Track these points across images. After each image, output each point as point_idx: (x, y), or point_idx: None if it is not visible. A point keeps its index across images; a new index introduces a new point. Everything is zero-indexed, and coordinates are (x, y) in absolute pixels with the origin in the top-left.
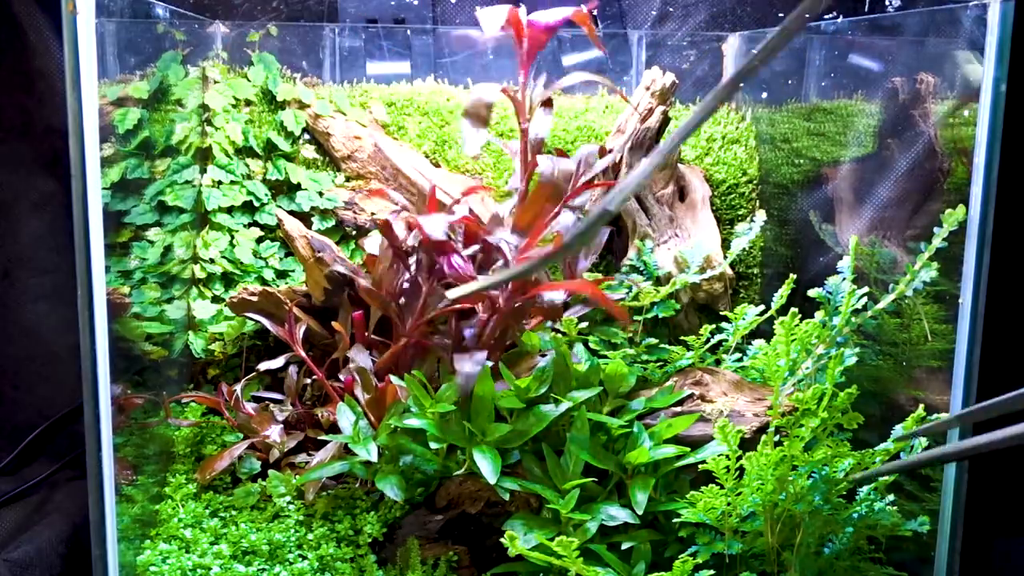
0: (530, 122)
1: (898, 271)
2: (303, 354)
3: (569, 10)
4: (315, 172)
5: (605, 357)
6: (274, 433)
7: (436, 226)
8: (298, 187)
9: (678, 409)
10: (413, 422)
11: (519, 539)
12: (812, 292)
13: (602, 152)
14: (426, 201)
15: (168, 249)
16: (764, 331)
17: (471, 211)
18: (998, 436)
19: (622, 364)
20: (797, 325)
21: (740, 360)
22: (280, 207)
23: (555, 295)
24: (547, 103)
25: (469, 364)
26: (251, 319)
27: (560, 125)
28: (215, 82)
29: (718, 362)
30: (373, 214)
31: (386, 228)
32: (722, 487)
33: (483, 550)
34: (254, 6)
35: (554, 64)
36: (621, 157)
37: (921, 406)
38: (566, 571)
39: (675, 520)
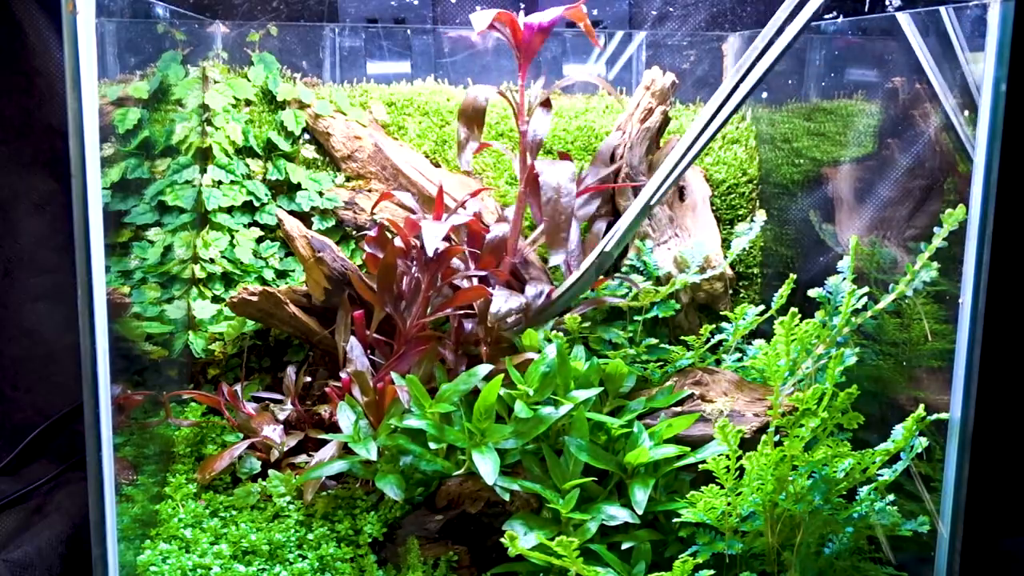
0: (528, 123)
1: (898, 271)
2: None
3: (561, 8)
4: (315, 172)
5: (605, 357)
6: (274, 433)
7: (433, 236)
8: (298, 187)
9: (678, 409)
10: (413, 422)
11: (519, 539)
12: (812, 292)
13: (613, 156)
14: (427, 202)
15: (168, 249)
16: (764, 331)
17: (476, 213)
18: None
19: (622, 364)
20: (797, 325)
21: (740, 360)
22: (280, 207)
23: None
24: (546, 103)
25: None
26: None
27: (560, 125)
28: (215, 82)
29: (718, 362)
30: (373, 214)
31: (392, 226)
32: (722, 487)
33: (483, 550)
34: (254, 6)
35: (556, 70)
36: (622, 156)
37: (921, 406)
38: (566, 571)
39: (675, 520)
